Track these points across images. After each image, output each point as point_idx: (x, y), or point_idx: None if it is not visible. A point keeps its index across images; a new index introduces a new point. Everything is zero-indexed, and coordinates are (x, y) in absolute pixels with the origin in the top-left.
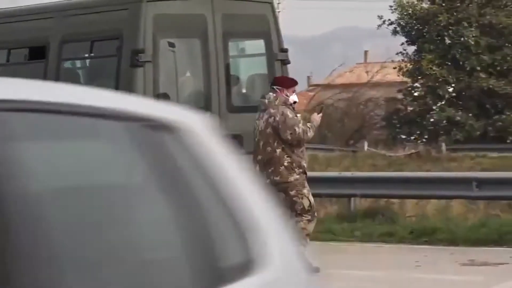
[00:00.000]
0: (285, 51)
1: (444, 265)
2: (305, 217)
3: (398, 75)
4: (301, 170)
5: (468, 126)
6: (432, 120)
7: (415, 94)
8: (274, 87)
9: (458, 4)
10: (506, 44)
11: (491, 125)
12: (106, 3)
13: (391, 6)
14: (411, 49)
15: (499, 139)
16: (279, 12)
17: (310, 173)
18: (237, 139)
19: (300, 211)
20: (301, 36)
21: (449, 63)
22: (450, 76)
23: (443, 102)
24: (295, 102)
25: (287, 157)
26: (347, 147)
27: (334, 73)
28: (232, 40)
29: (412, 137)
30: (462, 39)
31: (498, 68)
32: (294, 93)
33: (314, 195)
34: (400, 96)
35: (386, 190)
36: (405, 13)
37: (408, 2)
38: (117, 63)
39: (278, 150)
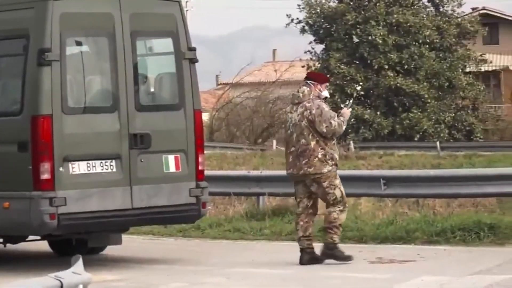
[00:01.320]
0: (193, 49)
1: (353, 262)
2: (338, 207)
3: None
4: (333, 162)
5: (376, 124)
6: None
7: None
8: (308, 81)
9: (366, 3)
10: (413, 43)
11: (399, 123)
12: (12, 2)
13: (299, 5)
14: (319, 47)
15: (406, 137)
16: (187, 11)
17: (218, 172)
18: (145, 137)
19: (332, 201)
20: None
21: (357, 62)
22: (358, 75)
23: (351, 101)
24: (326, 98)
25: (321, 149)
26: (255, 145)
27: (243, 72)
28: (140, 39)
29: None
30: (369, 37)
31: (406, 66)
32: (326, 89)
33: (222, 194)
34: None
35: (291, 188)
36: (313, 12)
37: (316, 1)
38: (24, 62)
39: (312, 143)
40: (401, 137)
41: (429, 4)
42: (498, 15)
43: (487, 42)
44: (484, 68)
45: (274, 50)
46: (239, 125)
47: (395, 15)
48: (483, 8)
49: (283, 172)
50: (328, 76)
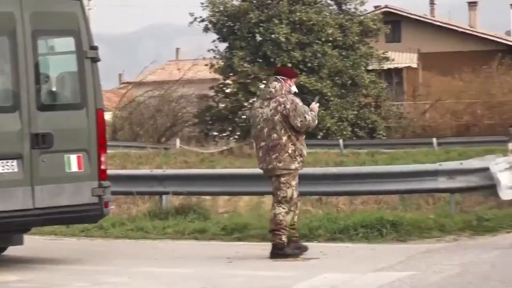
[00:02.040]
0: (95, 48)
1: (255, 261)
2: (283, 208)
3: (210, 72)
4: (301, 158)
5: None
6: (244, 116)
7: (227, 91)
8: (279, 77)
9: (269, 1)
10: (316, 41)
11: None
12: None
13: (202, 3)
14: (223, 46)
15: (310, 134)
16: (89, 9)
17: (120, 171)
18: (47, 137)
19: (281, 198)
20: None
21: (261, 60)
22: (261, 73)
23: (254, 99)
24: (295, 92)
25: (291, 144)
26: (159, 144)
27: (146, 71)
28: (41, 38)
29: (224, 134)
30: (273, 36)
31: (309, 64)
32: (294, 84)
33: (125, 193)
34: (212, 93)
35: (198, 187)
36: (216, 10)
37: (219, 0)
38: None
39: (284, 138)
40: (305, 135)
41: (332, 2)
42: (400, 13)
43: (390, 40)
44: (386, 66)
45: (177, 49)
46: (142, 124)
47: (298, 13)
48: (386, 6)
49: (187, 171)
50: (296, 71)
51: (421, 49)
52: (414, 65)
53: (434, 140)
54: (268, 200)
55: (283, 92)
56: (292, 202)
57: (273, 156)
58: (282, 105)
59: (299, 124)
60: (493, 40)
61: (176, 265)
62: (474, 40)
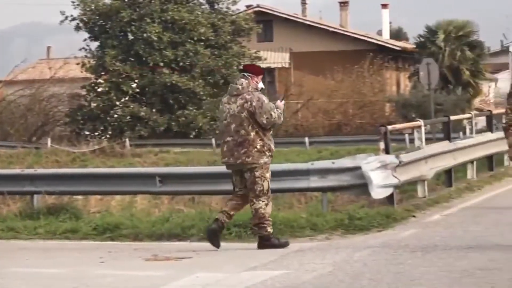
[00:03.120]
0: None
1: (128, 260)
2: (262, 200)
3: (82, 71)
4: (270, 153)
5: (152, 122)
6: (116, 115)
7: (99, 90)
8: (246, 74)
9: (141, 0)
10: (189, 40)
11: (175, 120)
12: None
13: (73, 2)
14: (95, 44)
15: (182, 134)
16: None
17: None
18: None
19: (258, 192)
20: None
21: (133, 59)
22: (133, 72)
23: (126, 98)
24: (262, 89)
25: (259, 140)
26: (30, 143)
27: (17, 70)
28: None
29: (96, 133)
30: (145, 35)
31: (181, 63)
32: (261, 80)
33: None
34: (83, 92)
35: (70, 187)
36: (87, 9)
37: None
38: None
39: (252, 133)
40: (177, 134)
41: (204, 2)
42: (272, 12)
43: (262, 39)
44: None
45: (48, 47)
46: (13, 123)
47: (170, 12)
48: (257, 6)
49: (59, 170)
50: (262, 68)
51: (293, 48)
52: (286, 65)
53: (306, 139)
54: (140, 199)
55: (250, 89)
56: (269, 194)
57: (242, 151)
58: (249, 102)
59: (265, 121)
60: (364, 40)
61: (47, 265)
62: (345, 39)
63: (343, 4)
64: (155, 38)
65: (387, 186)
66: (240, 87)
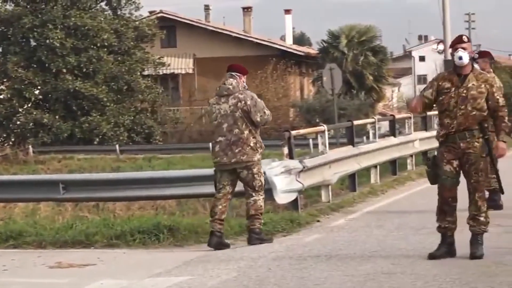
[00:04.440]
0: None
1: (31, 268)
2: (261, 194)
3: None
4: (261, 150)
5: (55, 128)
6: (18, 122)
7: (1, 96)
8: (234, 73)
9: (43, 6)
10: (92, 46)
11: (78, 126)
12: None
13: None
14: None
15: (86, 140)
16: None
17: None
18: None
19: (258, 187)
20: None
21: (35, 65)
22: (36, 78)
23: (29, 105)
24: (245, 88)
25: (252, 138)
26: None
27: None
28: None
29: None
30: (47, 41)
31: (84, 70)
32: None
33: None
34: None
35: None
36: None
37: None
38: None
39: (245, 132)
40: (80, 140)
41: (107, 8)
42: (175, 18)
43: (165, 45)
44: (162, 71)
45: None
46: None
47: (73, 19)
48: (161, 12)
49: None
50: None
51: (197, 54)
52: (190, 70)
53: (210, 144)
54: (44, 207)
55: (241, 88)
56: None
57: (237, 150)
58: (243, 101)
59: (258, 119)
60: (268, 45)
61: None
62: (249, 45)
63: (247, 10)
64: (58, 44)
65: (291, 191)
66: (230, 87)
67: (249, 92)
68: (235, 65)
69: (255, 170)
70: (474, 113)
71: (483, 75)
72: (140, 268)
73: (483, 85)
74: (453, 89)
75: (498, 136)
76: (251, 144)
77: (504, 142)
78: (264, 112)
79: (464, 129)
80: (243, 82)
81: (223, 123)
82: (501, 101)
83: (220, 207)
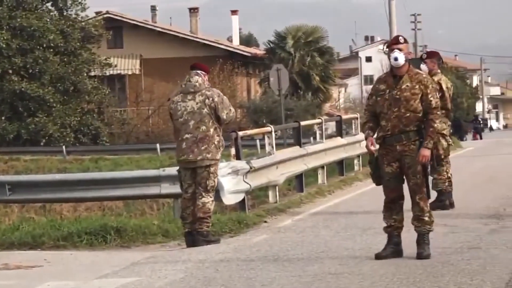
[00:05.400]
0: None
1: None
2: (210, 196)
3: None
4: (223, 148)
5: (1, 130)
6: None
7: None
8: (199, 71)
9: None
10: (38, 47)
11: (24, 127)
12: None
13: None
14: None
15: (32, 141)
16: None
17: None
18: None
19: (209, 188)
20: None
21: None
22: None
23: None
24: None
25: (217, 136)
26: None
27: None
28: None
29: None
30: None
31: (30, 71)
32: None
33: None
34: None
35: None
36: None
37: None
38: None
39: (211, 129)
40: (27, 141)
41: (53, 8)
42: (122, 18)
43: (112, 46)
44: (109, 72)
45: None
46: None
47: (19, 19)
48: (107, 12)
49: None
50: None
51: (143, 54)
52: (137, 71)
53: (158, 145)
54: None
55: (207, 85)
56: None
57: (203, 148)
58: (210, 98)
59: (225, 116)
60: (215, 46)
61: None
62: (195, 46)
63: (193, 11)
64: (4, 45)
65: (239, 192)
66: (197, 84)
67: (215, 89)
68: (198, 63)
69: (212, 169)
70: (408, 115)
71: (419, 75)
72: (87, 270)
73: (417, 86)
74: (387, 91)
75: (424, 142)
76: (215, 142)
77: (429, 149)
78: (230, 110)
79: (400, 132)
80: (206, 80)
81: (189, 120)
82: (434, 103)
83: (192, 208)
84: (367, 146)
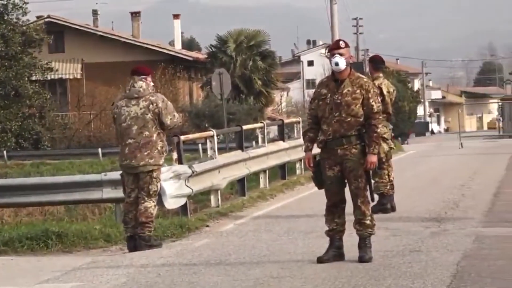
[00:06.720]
0: None
1: None
2: (153, 201)
3: None
4: (166, 154)
5: None
6: None
7: None
8: (141, 76)
9: None
10: None
11: None
12: None
13: None
14: None
15: None
16: None
17: None
18: None
19: (152, 192)
20: None
21: None
22: None
23: None
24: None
25: (160, 141)
26: None
27: None
28: None
29: None
30: None
31: None
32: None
33: None
34: None
35: None
36: None
37: None
38: None
39: (154, 135)
40: None
41: None
42: (63, 23)
43: (53, 50)
44: (50, 76)
45: None
46: None
47: None
48: (48, 16)
49: None
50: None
51: (85, 59)
52: (78, 76)
53: (100, 150)
54: None
55: (151, 90)
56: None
57: (145, 153)
58: (154, 104)
59: (169, 122)
60: (156, 50)
61: None
62: (137, 50)
63: (135, 15)
64: None
65: (180, 196)
66: (141, 89)
67: (160, 94)
68: (140, 67)
69: (155, 174)
70: (349, 119)
71: (360, 80)
72: (29, 275)
73: (358, 91)
74: (329, 95)
75: (368, 148)
76: (159, 148)
77: (375, 154)
78: (174, 115)
79: (341, 136)
80: (150, 82)
81: (132, 125)
82: (376, 107)
83: (134, 212)
84: (305, 163)
